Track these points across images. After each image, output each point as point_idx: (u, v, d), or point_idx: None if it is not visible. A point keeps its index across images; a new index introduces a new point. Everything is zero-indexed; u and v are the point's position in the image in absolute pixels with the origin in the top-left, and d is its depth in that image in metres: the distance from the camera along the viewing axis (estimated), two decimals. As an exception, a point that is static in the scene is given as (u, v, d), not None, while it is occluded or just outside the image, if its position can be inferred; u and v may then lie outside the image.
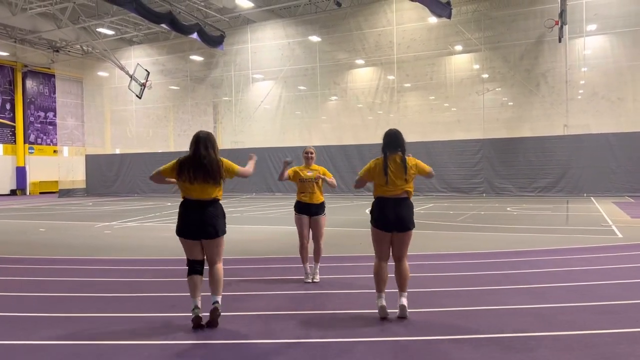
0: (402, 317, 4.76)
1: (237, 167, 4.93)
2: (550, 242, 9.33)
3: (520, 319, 4.72)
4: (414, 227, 4.89)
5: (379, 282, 4.88)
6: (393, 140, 4.96)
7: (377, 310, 4.86)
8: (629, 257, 7.81)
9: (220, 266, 4.78)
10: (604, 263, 7.35)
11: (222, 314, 4.69)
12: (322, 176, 6.56)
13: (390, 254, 4.96)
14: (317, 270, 6.55)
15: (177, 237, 4.78)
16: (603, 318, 4.71)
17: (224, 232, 4.79)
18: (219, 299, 4.68)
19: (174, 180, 4.82)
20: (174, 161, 4.77)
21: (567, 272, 6.76)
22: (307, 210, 6.52)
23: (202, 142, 4.68)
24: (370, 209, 4.97)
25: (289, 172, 6.59)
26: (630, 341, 4.12)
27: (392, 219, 4.79)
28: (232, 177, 4.91)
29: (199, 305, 4.61)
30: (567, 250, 8.45)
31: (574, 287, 5.94)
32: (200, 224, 4.63)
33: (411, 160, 4.92)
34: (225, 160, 4.83)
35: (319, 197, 6.56)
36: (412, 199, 4.98)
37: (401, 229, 4.82)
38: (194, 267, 4.71)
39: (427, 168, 5.05)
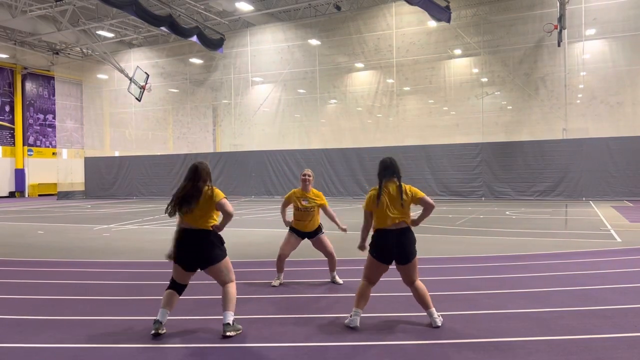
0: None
1: (220, 198, 4.61)
2: (549, 247, 9.33)
3: (519, 323, 4.72)
4: (415, 256, 4.74)
5: (361, 299, 4.73)
6: (388, 167, 4.79)
7: (373, 314, 4.86)
8: (628, 261, 7.81)
9: (231, 285, 4.70)
10: (603, 267, 7.35)
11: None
12: (319, 205, 6.52)
13: (401, 280, 4.88)
14: (336, 274, 6.63)
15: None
16: (602, 322, 4.71)
17: (223, 258, 4.68)
18: (230, 318, 4.56)
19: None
20: None
21: (565, 277, 6.76)
22: (302, 235, 6.54)
23: (189, 174, 4.67)
24: (371, 242, 4.78)
25: (285, 197, 6.62)
26: (628, 346, 4.12)
27: (393, 252, 4.65)
28: (214, 206, 4.62)
29: (163, 320, 4.54)
30: (565, 255, 8.44)
31: (573, 291, 5.94)
32: (193, 254, 4.60)
33: (406, 186, 4.79)
34: (216, 190, 4.66)
35: (315, 224, 6.51)
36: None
37: (403, 262, 4.69)
38: (175, 286, 4.69)
39: (420, 193, 4.82)
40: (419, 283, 4.79)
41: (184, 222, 4.64)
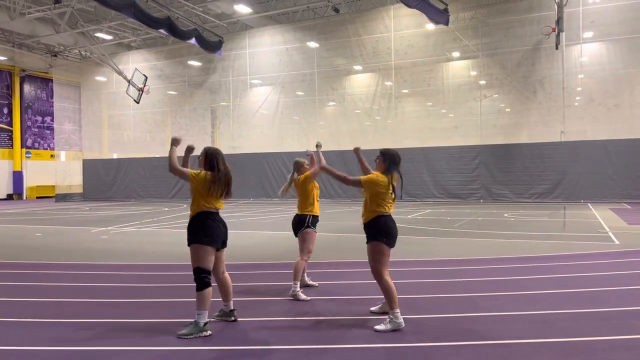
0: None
1: None
2: (547, 249, 9.33)
3: (518, 325, 4.72)
4: None
5: (396, 296, 4.75)
6: (398, 161, 4.98)
7: (371, 316, 4.85)
8: (626, 264, 7.82)
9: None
10: (601, 270, 7.36)
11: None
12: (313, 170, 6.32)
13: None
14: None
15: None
16: (601, 324, 4.71)
17: None
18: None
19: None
20: (204, 173, 4.71)
21: (564, 279, 6.77)
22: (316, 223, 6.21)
23: (220, 157, 4.82)
24: (375, 229, 4.76)
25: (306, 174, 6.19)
26: (627, 348, 4.12)
27: (396, 236, 4.90)
28: None
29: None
30: (564, 257, 8.45)
31: (571, 293, 5.94)
32: (225, 234, 4.84)
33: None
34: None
35: None
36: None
37: (394, 244, 4.93)
38: (208, 280, 4.63)
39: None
40: None
41: (211, 206, 4.72)
